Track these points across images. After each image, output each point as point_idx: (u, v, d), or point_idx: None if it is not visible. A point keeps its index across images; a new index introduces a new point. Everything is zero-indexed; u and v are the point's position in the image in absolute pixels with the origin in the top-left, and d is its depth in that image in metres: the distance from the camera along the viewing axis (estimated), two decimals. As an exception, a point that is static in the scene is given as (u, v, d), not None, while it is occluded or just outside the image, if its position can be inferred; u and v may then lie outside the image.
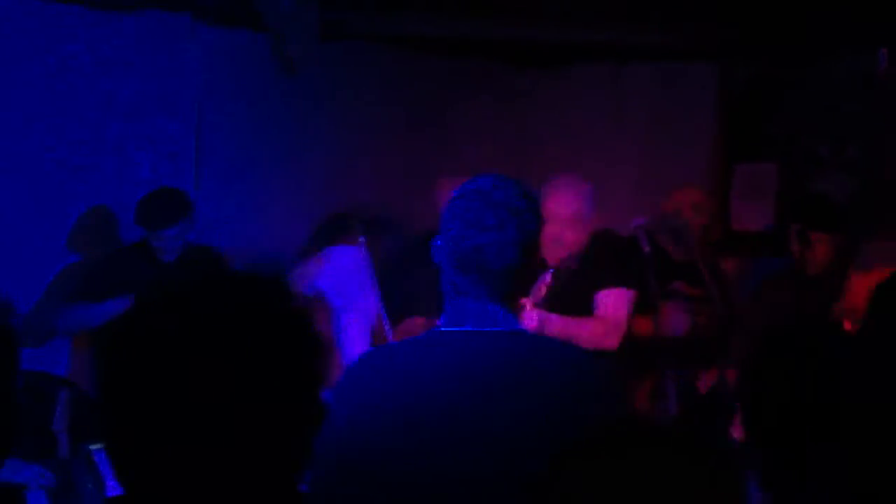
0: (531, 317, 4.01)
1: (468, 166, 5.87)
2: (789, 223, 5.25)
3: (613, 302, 4.44)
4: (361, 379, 2.36)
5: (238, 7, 5.51)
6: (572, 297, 4.40)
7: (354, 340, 5.14)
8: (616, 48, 6.63)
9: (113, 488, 3.56)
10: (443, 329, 2.37)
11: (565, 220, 4.40)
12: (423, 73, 6.54)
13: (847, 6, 5.56)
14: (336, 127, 6.11)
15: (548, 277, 4.17)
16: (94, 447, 3.86)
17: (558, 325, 4.17)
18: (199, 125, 5.68)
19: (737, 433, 4.54)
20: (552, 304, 4.29)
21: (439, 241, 2.41)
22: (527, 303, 4.02)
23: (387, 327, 4.74)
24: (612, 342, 4.38)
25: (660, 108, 6.78)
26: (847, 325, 4.42)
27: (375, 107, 6.30)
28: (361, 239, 5.03)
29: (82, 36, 5.27)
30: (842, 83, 6.34)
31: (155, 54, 5.50)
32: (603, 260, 4.51)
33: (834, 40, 6.12)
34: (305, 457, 1.53)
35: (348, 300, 5.16)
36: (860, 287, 5.00)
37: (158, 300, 1.51)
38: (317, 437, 2.22)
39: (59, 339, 5.30)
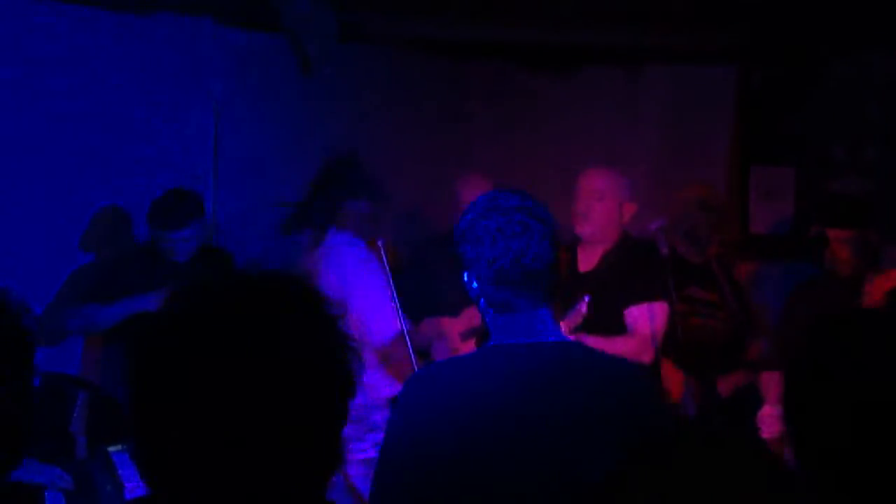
0: (580, 310, 4.05)
1: (483, 168, 5.88)
2: (810, 227, 5.20)
3: (646, 318, 4.40)
4: (423, 393, 2.42)
5: (257, 9, 5.52)
6: (603, 309, 4.35)
7: None
8: (632, 51, 6.62)
9: (131, 490, 3.56)
10: (496, 343, 2.42)
11: (592, 193, 4.51)
12: (439, 75, 6.54)
13: (864, 8, 5.54)
14: (353, 127, 6.12)
15: (583, 307, 4.15)
16: (112, 449, 3.85)
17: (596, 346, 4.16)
18: (218, 125, 5.69)
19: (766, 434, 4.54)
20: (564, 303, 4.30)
21: (470, 273, 2.44)
22: (563, 328, 4.03)
23: (405, 328, 4.71)
24: (647, 358, 4.37)
25: (676, 110, 6.77)
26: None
27: (392, 108, 6.31)
28: (380, 241, 5.01)
29: (104, 39, 5.28)
30: (859, 85, 6.32)
31: (176, 56, 5.52)
32: (633, 270, 4.47)
33: (851, 42, 6.10)
34: (334, 461, 1.53)
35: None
36: (877, 290, 4.97)
37: (192, 300, 1.52)
38: (381, 451, 2.27)
39: (72, 339, 5.31)
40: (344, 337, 1.54)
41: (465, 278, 2.46)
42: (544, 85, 6.88)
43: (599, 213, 4.52)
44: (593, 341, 4.16)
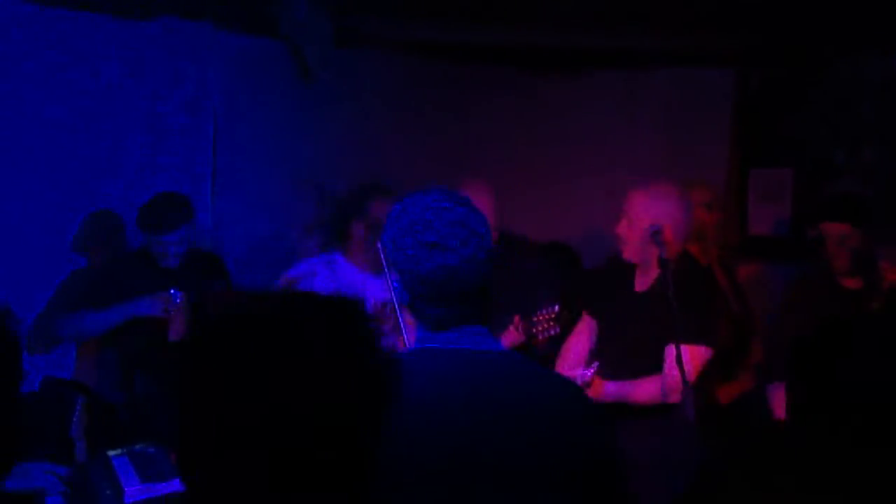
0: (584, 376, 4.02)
1: (484, 172, 5.88)
2: (808, 229, 5.16)
3: (686, 358, 4.00)
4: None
5: (256, 15, 5.53)
6: (642, 331, 4.27)
7: None
8: (632, 53, 6.62)
9: (131, 495, 3.56)
10: (424, 347, 2.32)
11: (625, 215, 4.34)
12: (438, 80, 6.55)
13: (863, 10, 5.54)
14: (352, 132, 6.12)
15: (588, 374, 4.10)
16: (112, 453, 3.86)
17: (613, 393, 4.14)
18: (217, 130, 5.70)
19: None
20: (624, 330, 4.28)
21: (402, 283, 2.34)
22: (578, 380, 4.02)
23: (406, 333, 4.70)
24: (673, 399, 4.12)
25: (676, 112, 6.77)
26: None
27: (391, 112, 6.31)
28: (379, 244, 4.99)
29: (103, 43, 5.30)
30: (858, 87, 6.32)
31: (175, 60, 5.53)
32: (684, 303, 4.05)
33: (850, 44, 6.10)
34: (365, 475, 1.54)
35: None
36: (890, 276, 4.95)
37: (239, 315, 1.54)
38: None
39: (66, 344, 5.32)
40: (384, 356, 1.56)
41: (395, 284, 2.35)
42: (544, 88, 6.89)
43: (632, 238, 4.33)
44: (618, 387, 4.15)
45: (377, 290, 4.79)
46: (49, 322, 5.12)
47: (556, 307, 4.55)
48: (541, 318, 4.62)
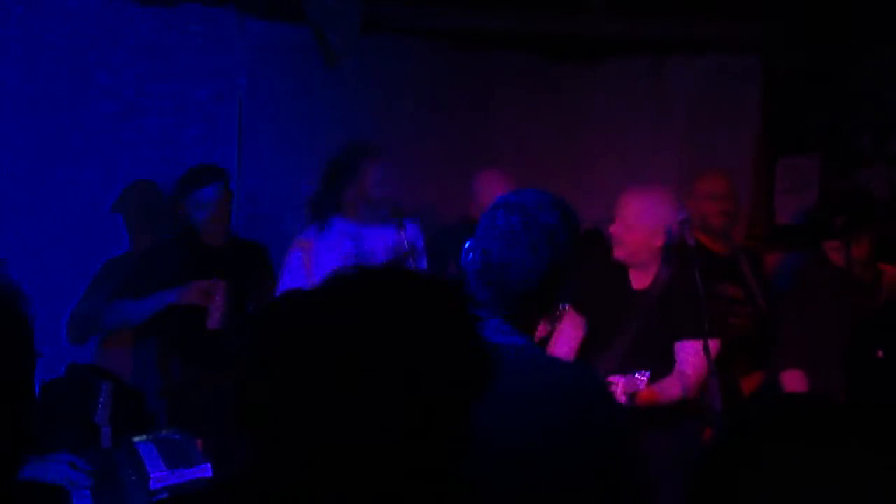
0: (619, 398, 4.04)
1: (507, 160, 5.87)
2: (835, 218, 5.12)
3: (695, 356, 4.24)
4: None
5: (282, 1, 5.52)
6: (644, 329, 4.36)
7: None
8: (658, 41, 6.58)
9: (156, 480, 3.55)
10: None
11: (622, 219, 4.42)
12: (462, 66, 6.52)
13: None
14: (376, 118, 6.11)
15: (641, 383, 4.14)
16: (137, 439, 3.86)
17: (646, 396, 4.19)
18: (243, 116, 5.70)
19: None
20: (624, 329, 4.31)
21: (469, 245, 2.38)
22: (618, 387, 4.06)
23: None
24: (691, 396, 4.31)
25: (702, 101, 6.73)
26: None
27: (416, 99, 6.29)
28: (407, 224, 5.01)
29: (129, 29, 5.29)
30: (885, 75, 6.27)
31: (201, 47, 5.53)
32: (685, 297, 4.26)
33: (878, 32, 6.05)
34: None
35: None
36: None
37: (338, 292, 1.52)
38: None
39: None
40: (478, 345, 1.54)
41: (462, 256, 2.40)
42: (570, 76, 6.85)
43: (630, 239, 4.43)
44: (648, 394, 4.18)
45: (387, 238, 4.93)
46: (89, 312, 5.13)
47: (566, 306, 4.53)
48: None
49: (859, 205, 5.15)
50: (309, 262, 4.87)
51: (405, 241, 4.93)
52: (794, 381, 4.83)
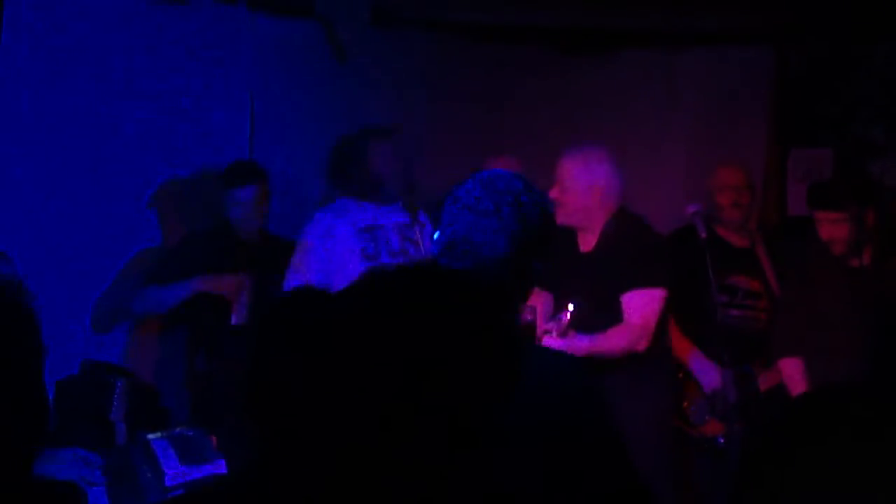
0: (555, 344, 3.99)
1: (519, 152, 5.85)
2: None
3: (641, 306, 4.33)
4: None
5: (292, -4, 5.54)
6: (595, 288, 4.38)
7: None
8: (670, 33, 6.56)
9: (171, 477, 3.57)
10: None
11: (561, 184, 4.49)
12: (473, 60, 6.51)
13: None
14: (386, 112, 6.10)
15: (565, 317, 4.11)
16: (152, 436, 3.86)
17: (585, 346, 4.16)
18: (253, 112, 5.70)
19: None
20: (576, 291, 4.29)
21: (437, 232, 2.37)
22: (553, 332, 4.03)
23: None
24: (640, 347, 4.33)
25: (714, 92, 6.70)
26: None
27: (426, 93, 6.28)
28: (422, 219, 5.03)
29: (139, 26, 5.29)
30: (897, 67, 6.26)
31: (211, 43, 5.53)
32: (630, 253, 4.39)
33: (889, 23, 6.03)
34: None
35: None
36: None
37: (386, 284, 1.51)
38: None
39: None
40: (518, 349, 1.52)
41: (433, 238, 2.40)
42: (582, 68, 6.83)
43: (570, 204, 4.47)
44: (587, 342, 4.17)
45: (395, 216, 5.00)
46: (117, 298, 5.17)
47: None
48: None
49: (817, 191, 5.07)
50: (315, 249, 4.90)
51: (418, 228, 4.97)
52: (791, 368, 4.79)
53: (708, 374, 4.92)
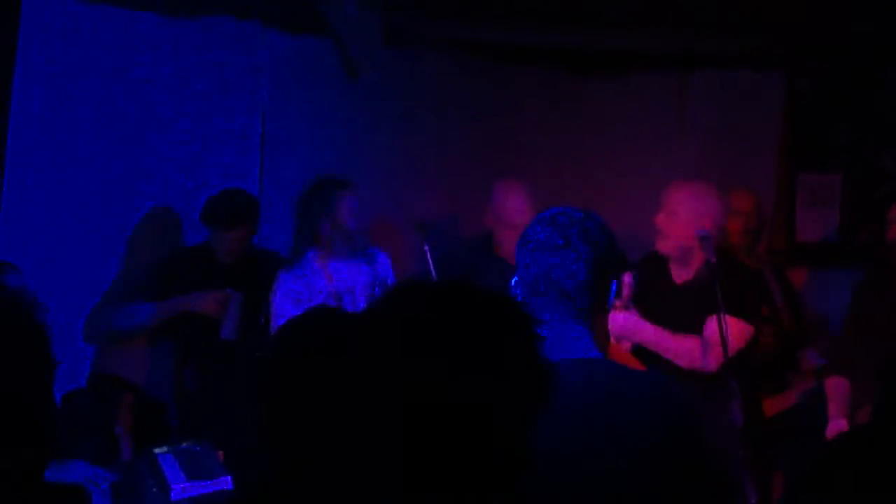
0: (616, 318, 4.00)
1: (530, 173, 5.86)
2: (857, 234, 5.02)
3: (728, 328, 4.20)
4: None
5: (305, 13, 5.53)
6: (689, 321, 4.34)
7: None
8: (681, 56, 6.57)
9: (177, 492, 3.56)
10: None
11: (669, 212, 4.45)
12: (485, 79, 6.51)
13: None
14: (398, 130, 6.11)
15: (628, 277, 4.13)
16: (157, 450, 3.87)
17: (651, 335, 4.18)
18: (265, 127, 5.71)
19: None
20: (668, 322, 4.30)
21: (516, 277, 2.43)
22: (618, 305, 4.04)
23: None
24: (710, 365, 4.28)
25: (724, 116, 6.70)
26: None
27: (438, 111, 6.29)
28: (426, 246, 5.03)
29: (153, 42, 5.31)
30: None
31: (224, 59, 5.54)
32: (728, 287, 4.27)
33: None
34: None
35: None
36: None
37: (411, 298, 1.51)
38: None
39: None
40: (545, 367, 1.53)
41: (512, 283, 2.45)
42: (593, 89, 6.84)
43: (673, 230, 4.44)
44: (653, 332, 4.23)
45: (362, 276, 5.01)
46: (104, 314, 5.15)
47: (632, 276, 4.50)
48: None
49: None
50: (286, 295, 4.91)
51: (377, 277, 5.01)
52: (837, 389, 4.71)
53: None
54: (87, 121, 5.12)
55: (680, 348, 4.28)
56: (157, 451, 3.85)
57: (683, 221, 4.40)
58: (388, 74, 5.97)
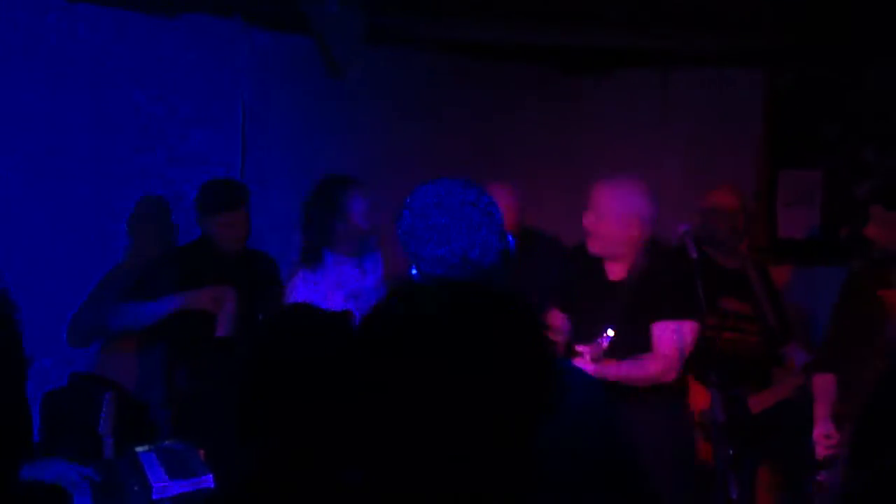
0: (587, 368, 3.99)
1: (514, 170, 5.87)
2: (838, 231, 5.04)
3: (673, 336, 4.28)
4: None
5: (287, 11, 5.53)
6: (632, 322, 4.34)
7: None
8: (663, 54, 6.59)
9: (158, 491, 3.56)
10: None
11: (599, 213, 4.40)
12: (469, 78, 6.53)
13: (894, 10, 5.49)
14: (382, 129, 6.12)
15: (604, 342, 4.15)
16: (139, 449, 3.86)
17: (616, 373, 4.17)
18: (246, 126, 5.71)
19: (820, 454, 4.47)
20: (603, 319, 4.29)
21: (417, 270, 2.40)
22: (585, 355, 4.05)
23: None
24: (670, 377, 4.31)
25: (706, 113, 6.74)
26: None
27: (421, 110, 6.30)
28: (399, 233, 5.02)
29: (133, 40, 5.30)
30: (888, 88, 6.28)
31: (205, 57, 5.54)
32: (662, 283, 4.34)
33: (880, 45, 6.05)
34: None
35: None
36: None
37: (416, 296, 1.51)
38: None
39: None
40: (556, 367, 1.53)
41: (413, 273, 2.42)
42: (577, 87, 6.87)
43: (602, 231, 4.42)
44: (617, 369, 4.18)
45: (372, 277, 5.01)
46: (95, 314, 5.13)
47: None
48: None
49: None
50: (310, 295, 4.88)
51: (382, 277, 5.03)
52: (825, 386, 4.71)
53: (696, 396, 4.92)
54: (66, 119, 5.11)
55: (643, 373, 4.28)
56: (138, 449, 3.85)
57: (612, 222, 4.38)
58: (370, 74, 5.98)
